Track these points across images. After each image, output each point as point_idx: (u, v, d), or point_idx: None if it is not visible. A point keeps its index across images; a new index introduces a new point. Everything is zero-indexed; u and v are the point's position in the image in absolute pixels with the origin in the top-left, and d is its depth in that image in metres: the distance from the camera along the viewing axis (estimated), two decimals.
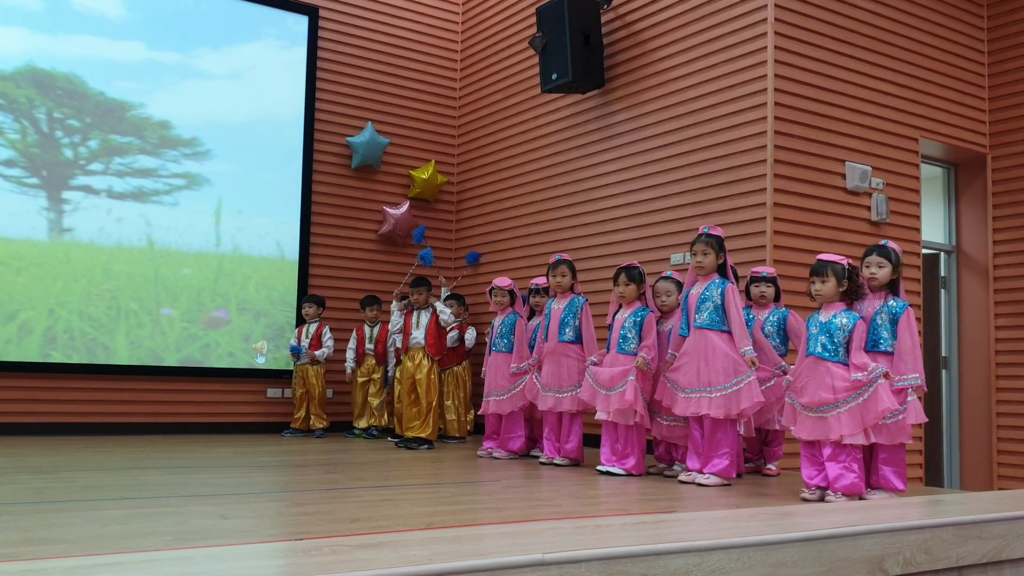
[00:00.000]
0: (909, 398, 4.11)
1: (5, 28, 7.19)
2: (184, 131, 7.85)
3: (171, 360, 7.61)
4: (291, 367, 7.92)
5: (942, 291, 7.52)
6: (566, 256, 5.81)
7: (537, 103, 8.12)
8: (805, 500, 4.10)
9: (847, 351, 4.12)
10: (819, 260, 4.27)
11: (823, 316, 4.22)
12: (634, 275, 5.21)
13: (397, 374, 6.83)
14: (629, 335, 5.13)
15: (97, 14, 7.60)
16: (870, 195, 6.50)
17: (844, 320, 4.14)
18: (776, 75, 6.09)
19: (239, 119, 8.13)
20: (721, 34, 6.45)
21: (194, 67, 7.98)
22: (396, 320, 7.05)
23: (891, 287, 4.28)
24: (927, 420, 4.29)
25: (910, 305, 4.27)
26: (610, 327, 5.29)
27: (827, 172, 6.29)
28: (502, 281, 6.44)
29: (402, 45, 8.94)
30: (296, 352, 7.68)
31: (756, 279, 5.37)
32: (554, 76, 7.27)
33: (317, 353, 7.66)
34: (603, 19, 7.35)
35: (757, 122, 6.13)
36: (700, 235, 4.84)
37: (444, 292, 7.14)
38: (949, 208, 7.63)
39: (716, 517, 3.28)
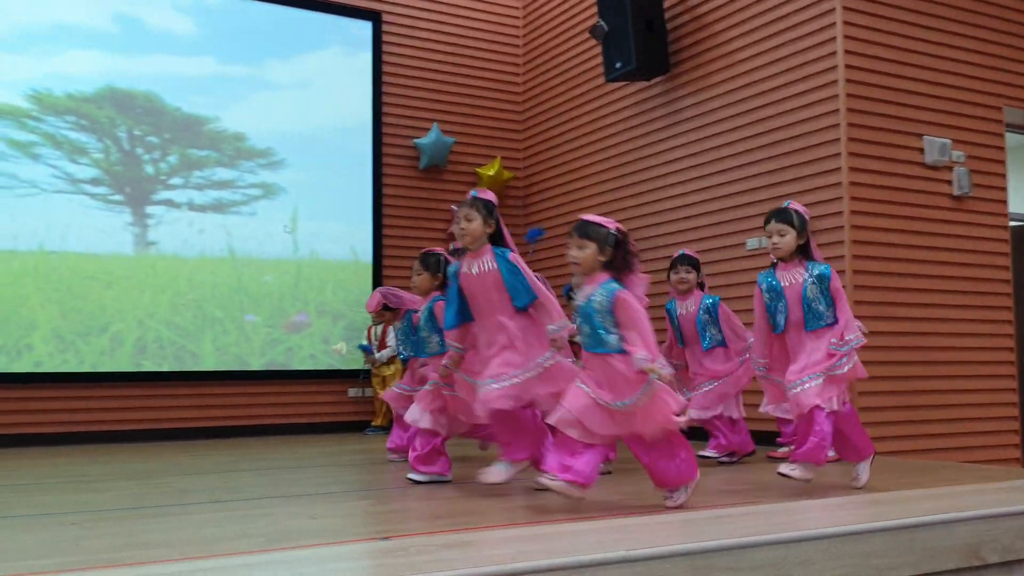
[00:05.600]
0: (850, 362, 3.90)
1: (85, 51, 7.47)
2: (258, 142, 8.05)
3: (256, 364, 7.82)
4: (369, 367, 8.05)
5: None
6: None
7: (601, 93, 8.08)
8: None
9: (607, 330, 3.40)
10: (581, 220, 3.55)
11: (582, 296, 3.48)
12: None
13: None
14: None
15: (169, 32, 7.84)
16: (951, 169, 6.29)
17: (600, 298, 3.39)
18: (846, 51, 5.93)
19: (310, 127, 8.29)
20: (788, 12, 6.32)
21: (264, 79, 8.16)
22: None
23: (803, 252, 4.01)
24: (866, 375, 4.09)
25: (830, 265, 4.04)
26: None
27: (904, 147, 6.12)
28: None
29: (464, 44, 8.99)
30: (367, 350, 7.83)
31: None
32: (618, 65, 7.23)
33: (378, 355, 7.79)
34: (665, 4, 7.27)
35: (829, 100, 5.99)
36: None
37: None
38: None
39: (801, 507, 3.24)
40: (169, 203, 7.67)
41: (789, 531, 2.50)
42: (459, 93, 8.92)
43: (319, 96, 8.35)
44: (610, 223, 3.48)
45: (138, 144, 7.62)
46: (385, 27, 8.62)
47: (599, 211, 8.04)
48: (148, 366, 7.43)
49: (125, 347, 7.36)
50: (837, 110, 5.93)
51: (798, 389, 3.87)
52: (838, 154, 5.91)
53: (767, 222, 4.01)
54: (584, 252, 3.42)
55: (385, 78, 8.59)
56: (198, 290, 7.67)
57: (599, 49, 7.64)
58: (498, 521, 3.13)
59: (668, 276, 5.32)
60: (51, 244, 7.20)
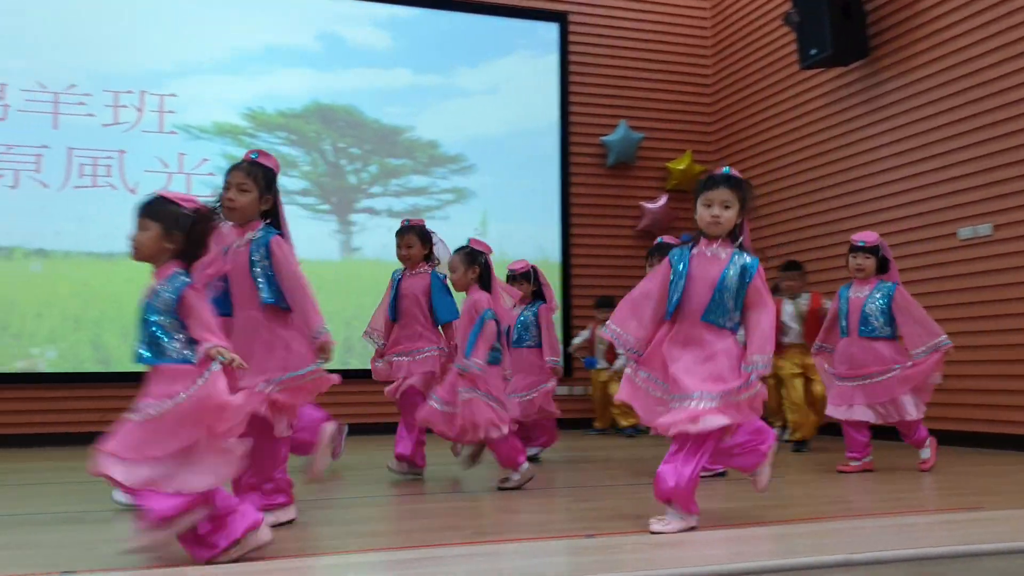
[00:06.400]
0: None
1: (293, 70, 8.00)
2: (450, 148, 8.33)
3: None
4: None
5: None
6: (417, 221, 5.11)
7: (796, 81, 7.79)
8: None
9: None
10: (153, 195, 2.70)
11: (145, 294, 2.71)
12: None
13: None
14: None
15: (368, 47, 8.26)
16: None
17: (165, 294, 2.60)
18: None
19: (498, 131, 8.50)
20: None
21: (455, 86, 8.44)
22: None
23: (733, 235, 3.14)
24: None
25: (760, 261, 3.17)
26: None
27: None
28: None
29: (651, 39, 8.92)
30: (591, 365, 7.83)
31: (854, 248, 4.85)
32: (812, 52, 6.95)
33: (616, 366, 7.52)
34: None
35: None
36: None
37: None
38: None
39: None
40: (370, 211, 8.08)
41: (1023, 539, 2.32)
42: (647, 88, 8.86)
43: (507, 100, 8.54)
44: (190, 202, 2.67)
45: (342, 156, 8.07)
46: (571, 27, 8.70)
47: (797, 203, 7.75)
48: (355, 364, 7.84)
49: (335, 346, 7.77)
50: None
51: (692, 406, 2.94)
52: None
53: (710, 186, 3.12)
54: (145, 235, 2.59)
55: (572, 77, 8.67)
56: None
57: (791, 36, 7.38)
58: (706, 522, 3.08)
59: (646, 268, 4.80)
60: None
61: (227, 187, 3.21)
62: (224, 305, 3.17)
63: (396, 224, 8.15)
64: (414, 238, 5.00)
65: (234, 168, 3.23)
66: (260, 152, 3.29)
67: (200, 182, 7.57)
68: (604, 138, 8.65)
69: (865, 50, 6.88)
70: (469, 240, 4.62)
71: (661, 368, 3.07)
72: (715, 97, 8.99)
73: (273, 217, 3.29)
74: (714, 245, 3.11)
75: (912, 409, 4.65)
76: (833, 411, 4.83)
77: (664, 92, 8.91)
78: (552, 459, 5.86)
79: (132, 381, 7.79)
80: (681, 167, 8.71)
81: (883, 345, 4.70)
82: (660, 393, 3.06)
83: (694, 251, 3.14)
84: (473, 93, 8.50)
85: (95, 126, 7.34)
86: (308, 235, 7.84)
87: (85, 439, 5.01)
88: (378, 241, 8.03)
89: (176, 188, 7.49)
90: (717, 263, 3.07)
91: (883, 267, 4.81)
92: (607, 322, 3.24)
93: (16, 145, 7.10)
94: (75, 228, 7.23)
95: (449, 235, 8.12)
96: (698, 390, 2.92)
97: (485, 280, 4.46)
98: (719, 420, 2.86)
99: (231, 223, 3.22)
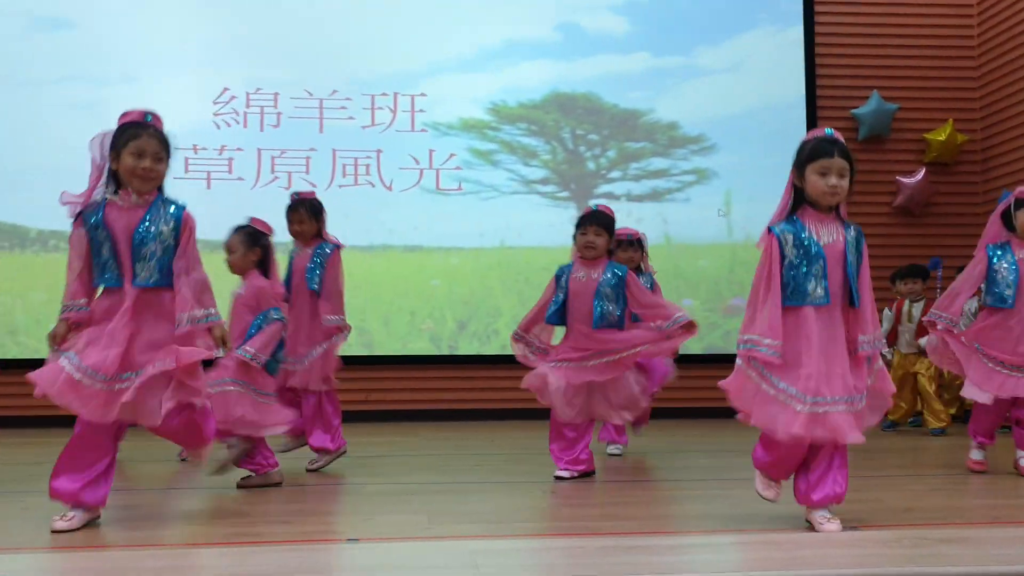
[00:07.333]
0: None
1: (533, 62, 8.19)
2: (690, 129, 8.20)
3: (695, 348, 7.96)
4: None
5: None
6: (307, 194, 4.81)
7: None
8: None
9: None
10: None
11: None
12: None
13: None
14: None
15: (606, 33, 8.30)
16: None
17: None
18: None
19: (741, 109, 8.26)
20: None
21: (695, 66, 8.30)
22: None
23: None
24: None
25: None
26: None
27: None
28: None
29: (905, 1, 8.31)
30: None
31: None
32: None
33: None
34: None
35: None
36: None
37: None
38: None
39: None
40: (609, 196, 8.12)
41: None
42: (901, 55, 8.27)
43: (750, 76, 8.28)
44: None
45: (580, 143, 8.18)
46: None
47: None
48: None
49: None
50: None
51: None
52: None
53: (825, 153, 3.02)
54: None
55: (818, 49, 8.25)
56: None
57: None
58: (973, 518, 2.86)
59: (574, 237, 4.37)
60: (510, 240, 8.02)
61: (140, 154, 2.98)
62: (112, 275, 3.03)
63: (636, 209, 8.25)
64: (305, 214, 4.74)
65: (145, 135, 3.01)
66: (154, 116, 3.09)
67: (448, 176, 7.95)
68: (855, 110, 8.17)
69: None
70: (250, 219, 4.16)
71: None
72: (981, 60, 8.22)
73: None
74: (827, 221, 3.05)
75: None
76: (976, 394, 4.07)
77: (921, 58, 8.28)
78: None
79: (394, 364, 8.34)
80: (941, 138, 8.06)
81: None
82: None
83: (811, 229, 3.05)
84: (714, 71, 8.32)
85: (355, 128, 7.90)
86: (548, 222, 8.03)
87: (356, 417, 5.39)
88: (617, 226, 8.07)
89: (427, 183, 7.92)
90: (839, 239, 3.03)
91: None
92: None
93: (289, 149, 7.80)
94: (340, 223, 7.70)
95: (691, 217, 8.07)
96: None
97: (265, 264, 4.07)
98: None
99: (136, 191, 3.02)
